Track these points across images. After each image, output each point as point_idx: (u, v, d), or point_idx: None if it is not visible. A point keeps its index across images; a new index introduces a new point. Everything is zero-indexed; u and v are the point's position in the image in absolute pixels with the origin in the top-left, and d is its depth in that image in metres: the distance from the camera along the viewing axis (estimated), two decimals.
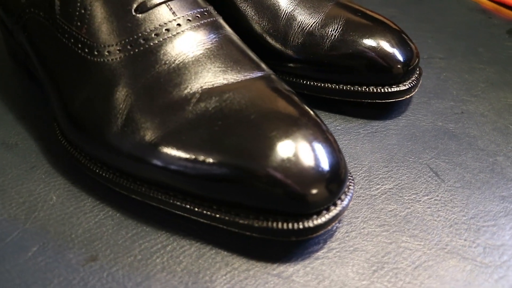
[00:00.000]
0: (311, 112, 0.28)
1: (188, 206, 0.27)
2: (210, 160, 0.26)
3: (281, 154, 0.25)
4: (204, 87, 0.28)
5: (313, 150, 0.26)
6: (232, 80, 0.28)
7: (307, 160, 0.25)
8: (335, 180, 0.26)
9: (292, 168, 0.25)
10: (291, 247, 0.28)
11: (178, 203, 0.28)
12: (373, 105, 0.36)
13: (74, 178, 0.31)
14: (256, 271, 0.27)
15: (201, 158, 0.26)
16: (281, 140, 0.25)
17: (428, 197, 0.31)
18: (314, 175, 0.25)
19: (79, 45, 0.29)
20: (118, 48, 0.29)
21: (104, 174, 0.29)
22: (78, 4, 0.29)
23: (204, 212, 0.27)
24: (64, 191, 0.31)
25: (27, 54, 0.35)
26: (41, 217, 0.29)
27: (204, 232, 0.28)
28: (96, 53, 0.29)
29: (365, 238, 0.29)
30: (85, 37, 0.29)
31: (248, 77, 0.29)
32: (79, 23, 0.30)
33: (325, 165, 0.26)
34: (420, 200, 0.31)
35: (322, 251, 0.28)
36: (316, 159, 0.26)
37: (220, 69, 0.28)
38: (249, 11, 0.35)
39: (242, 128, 0.26)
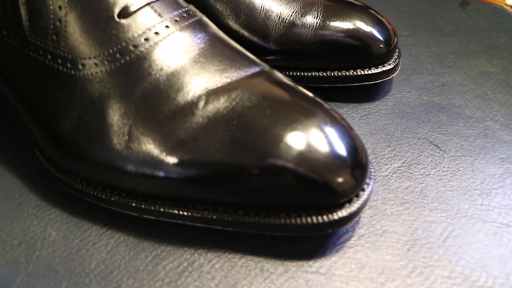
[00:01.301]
0: (321, 101, 0.27)
1: (210, 216, 0.26)
2: (233, 162, 0.24)
3: (305, 147, 0.24)
4: (209, 88, 0.26)
5: (334, 140, 0.25)
6: (235, 78, 0.27)
7: (331, 151, 0.24)
8: (359, 166, 0.26)
9: (319, 160, 0.24)
10: (321, 241, 0.27)
11: (198, 215, 0.26)
12: (359, 88, 0.36)
13: (71, 207, 0.28)
14: (293, 272, 0.26)
15: (224, 162, 0.24)
16: (303, 132, 0.24)
17: (436, 169, 0.31)
18: (341, 164, 0.25)
19: (59, 61, 0.27)
20: (107, 59, 0.26)
21: (107, 198, 0.27)
22: (51, 16, 0.27)
23: (230, 219, 0.25)
24: (63, 223, 0.28)
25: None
26: (44, 257, 0.26)
27: (228, 241, 0.27)
28: (81, 67, 0.26)
29: (390, 219, 0.28)
30: (64, 51, 0.26)
31: (249, 73, 0.27)
32: (54, 37, 0.27)
33: (348, 153, 0.25)
34: (429, 174, 0.31)
35: (353, 239, 0.27)
36: (339, 148, 0.25)
37: (219, 68, 0.27)
38: (225, 9, 0.34)
39: (260, 125, 0.24)
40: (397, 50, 0.36)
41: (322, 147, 0.24)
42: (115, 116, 0.26)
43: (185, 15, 0.28)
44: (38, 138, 0.28)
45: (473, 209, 0.29)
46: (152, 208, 0.26)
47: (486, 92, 0.37)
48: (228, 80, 0.27)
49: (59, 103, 0.27)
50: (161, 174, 0.25)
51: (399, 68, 0.36)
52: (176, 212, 0.26)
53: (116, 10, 0.27)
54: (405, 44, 0.41)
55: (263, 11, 0.34)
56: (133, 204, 0.26)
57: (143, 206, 0.26)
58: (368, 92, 0.36)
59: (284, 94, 0.27)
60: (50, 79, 0.27)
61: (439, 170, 0.31)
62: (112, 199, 0.27)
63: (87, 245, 0.27)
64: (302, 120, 0.25)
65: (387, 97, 0.36)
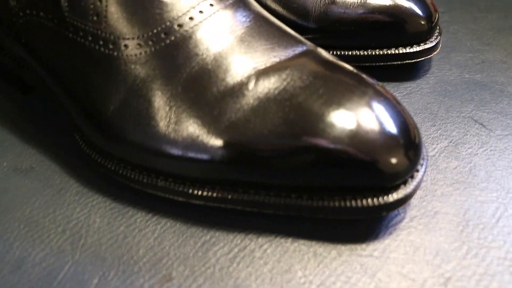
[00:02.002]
0: (371, 80, 0.26)
1: (262, 200, 0.25)
2: (288, 144, 0.23)
3: (361, 128, 0.23)
4: (258, 68, 0.25)
5: (388, 120, 0.24)
6: (283, 57, 0.26)
7: (386, 132, 0.24)
8: (413, 146, 0.25)
9: (375, 141, 0.23)
10: (373, 224, 0.26)
11: (250, 199, 0.25)
12: (399, 67, 0.35)
13: (114, 193, 0.28)
14: (348, 256, 0.25)
15: (277, 144, 0.23)
16: (357, 112, 0.23)
17: (483, 148, 0.31)
18: (396, 145, 0.24)
19: (100, 42, 0.26)
20: (151, 39, 0.25)
21: (153, 183, 0.26)
22: None
23: (282, 202, 0.25)
24: (107, 210, 0.27)
25: (22, 65, 0.30)
26: (90, 245, 0.26)
27: (281, 225, 0.26)
28: (123, 48, 0.25)
29: (440, 199, 0.28)
30: (106, 32, 0.26)
31: (296, 52, 0.26)
32: (95, 17, 0.26)
33: (402, 133, 0.24)
34: (477, 153, 0.30)
35: (405, 221, 0.27)
36: (393, 129, 0.24)
37: (267, 47, 0.26)
38: None
39: (314, 106, 0.24)
40: (438, 27, 0.35)
41: (376, 128, 0.23)
42: (161, 98, 0.25)
43: None
44: (78, 122, 0.27)
45: None
46: (201, 192, 0.25)
47: None
48: (277, 60, 0.26)
49: (101, 85, 0.26)
50: (211, 157, 0.24)
51: (440, 46, 0.35)
52: (226, 196, 0.25)
53: None
54: (441, 21, 0.40)
55: None
56: (181, 189, 0.26)
57: (190, 190, 0.26)
58: (408, 70, 0.35)
59: (333, 73, 0.26)
60: (91, 61, 0.26)
61: (487, 149, 0.30)
62: (159, 184, 0.26)
63: (134, 231, 0.26)
64: (355, 99, 0.24)
65: (428, 75, 0.35)
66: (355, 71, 0.26)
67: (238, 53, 0.25)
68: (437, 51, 0.34)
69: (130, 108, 0.25)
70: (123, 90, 0.25)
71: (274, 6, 0.33)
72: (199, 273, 0.24)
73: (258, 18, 0.27)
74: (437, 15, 0.34)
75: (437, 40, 0.34)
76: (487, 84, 0.35)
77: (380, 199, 0.24)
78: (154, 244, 0.26)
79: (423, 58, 0.34)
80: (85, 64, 0.26)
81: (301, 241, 0.25)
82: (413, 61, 0.34)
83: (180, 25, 0.25)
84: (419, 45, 0.33)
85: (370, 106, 0.24)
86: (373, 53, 0.33)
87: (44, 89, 0.30)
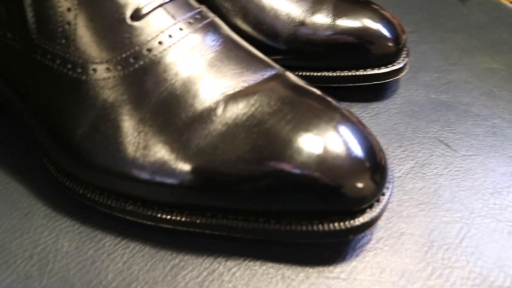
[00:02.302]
0: (338, 104, 0.27)
1: (231, 224, 0.25)
2: (255, 170, 0.24)
3: (327, 154, 0.24)
4: (226, 93, 0.25)
5: (355, 145, 0.24)
6: (252, 82, 0.26)
7: (352, 157, 0.24)
8: (379, 170, 0.25)
9: (341, 167, 0.24)
10: (340, 246, 0.27)
11: (218, 222, 0.25)
12: (367, 87, 0.36)
13: (83, 217, 0.27)
14: (315, 279, 0.25)
15: (245, 170, 0.24)
16: (324, 138, 0.24)
17: (448, 169, 0.31)
18: (362, 170, 0.24)
19: (69, 66, 0.26)
20: (120, 63, 0.25)
21: (122, 207, 0.26)
22: (60, 18, 0.26)
23: (250, 226, 0.25)
24: (75, 234, 0.27)
25: None
26: (58, 270, 0.25)
27: (248, 249, 0.26)
28: (92, 72, 0.25)
29: (406, 221, 0.28)
30: (74, 55, 0.25)
31: (265, 76, 0.27)
32: (63, 40, 0.26)
33: (368, 157, 0.25)
34: (442, 174, 0.31)
35: (371, 243, 0.27)
36: (359, 153, 0.24)
37: (236, 71, 0.26)
38: (233, 8, 0.33)
39: (281, 132, 0.24)
40: (405, 49, 0.36)
41: (343, 153, 0.24)
42: (130, 123, 0.25)
43: (198, 16, 0.27)
44: (46, 146, 0.27)
45: (486, 209, 0.29)
46: (170, 217, 0.25)
47: (492, 89, 0.37)
48: (246, 84, 0.26)
49: (69, 109, 0.26)
50: (180, 182, 0.24)
51: (407, 68, 0.36)
52: (195, 220, 0.25)
53: (128, 12, 0.26)
54: (409, 41, 0.41)
55: (272, 10, 0.33)
56: (149, 213, 0.26)
57: (159, 215, 0.26)
58: (376, 91, 0.36)
59: (301, 98, 0.26)
60: (59, 85, 0.26)
61: (451, 169, 0.31)
62: (128, 208, 0.26)
63: (102, 256, 0.26)
64: (322, 125, 0.24)
65: (395, 96, 0.36)
66: (322, 95, 0.27)
67: (207, 78, 0.26)
68: (404, 72, 0.35)
69: (98, 132, 0.25)
70: (92, 114, 0.25)
71: (244, 27, 0.33)
72: None
73: (227, 42, 0.28)
74: (404, 37, 0.35)
75: (405, 61, 0.35)
76: (452, 105, 0.36)
77: (347, 223, 0.25)
78: (123, 269, 0.25)
79: (390, 79, 0.35)
80: (53, 87, 0.26)
81: (269, 264, 0.26)
82: (380, 82, 0.34)
83: (149, 50, 0.25)
84: (386, 67, 0.34)
85: (337, 132, 0.25)
86: (342, 74, 0.34)
87: (11, 110, 0.29)
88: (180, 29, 0.26)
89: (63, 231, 0.27)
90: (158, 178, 0.25)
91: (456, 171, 0.31)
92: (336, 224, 0.25)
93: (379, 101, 0.36)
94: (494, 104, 0.36)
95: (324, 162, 0.24)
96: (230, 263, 0.26)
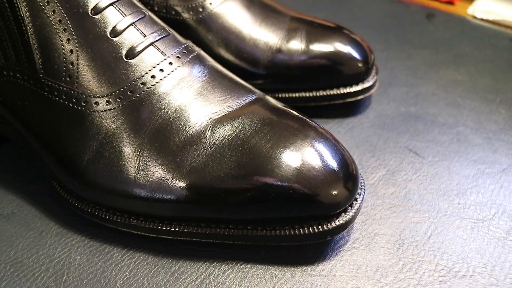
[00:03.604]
0: (311, 122, 0.30)
1: (223, 232, 0.29)
2: (242, 184, 0.27)
3: (304, 166, 0.27)
4: (213, 118, 0.29)
5: (328, 157, 0.28)
6: (235, 107, 0.30)
7: (326, 168, 0.28)
8: (351, 178, 0.29)
9: (317, 177, 0.27)
10: (322, 247, 0.30)
11: (211, 232, 0.29)
12: (342, 104, 0.39)
13: (91, 233, 0.31)
14: (300, 277, 0.29)
15: (232, 184, 0.27)
16: (299, 154, 0.28)
17: (417, 175, 0.35)
18: (336, 179, 0.28)
19: (74, 100, 0.29)
20: (119, 97, 0.29)
21: (126, 222, 0.29)
22: (64, 59, 0.29)
23: (240, 234, 0.28)
24: (85, 248, 0.30)
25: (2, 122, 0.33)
26: (72, 280, 0.29)
27: (239, 253, 0.30)
28: (94, 105, 0.29)
29: (379, 222, 0.32)
30: (78, 91, 0.29)
31: (247, 100, 0.30)
32: (68, 78, 0.29)
33: (341, 167, 0.28)
34: (411, 179, 0.35)
35: (349, 243, 0.30)
36: (333, 164, 0.28)
37: (221, 98, 0.30)
38: (216, 39, 0.37)
39: (263, 149, 0.28)
40: (374, 68, 0.40)
41: (318, 165, 0.28)
42: (130, 148, 0.28)
43: (185, 51, 0.31)
44: (56, 172, 0.31)
45: (451, 208, 0.33)
46: (169, 228, 0.29)
47: (456, 100, 0.41)
48: (230, 109, 0.30)
49: (75, 138, 0.29)
50: (176, 198, 0.28)
51: (377, 84, 0.39)
52: (191, 230, 0.29)
53: (124, 51, 0.29)
54: (380, 58, 0.45)
55: (251, 40, 0.37)
56: (151, 226, 0.29)
57: (159, 227, 0.29)
58: (350, 107, 0.40)
59: (279, 118, 0.30)
60: (66, 117, 0.29)
61: (420, 175, 0.35)
62: (131, 223, 0.29)
63: (111, 266, 0.29)
64: (298, 142, 0.28)
65: (368, 110, 0.40)
66: (298, 115, 0.31)
67: (196, 105, 0.29)
68: (374, 89, 0.39)
69: (102, 158, 0.29)
70: (96, 142, 0.29)
71: (227, 56, 0.37)
72: None
73: (212, 72, 0.31)
74: (373, 57, 0.39)
75: (374, 79, 0.39)
76: (420, 116, 0.39)
77: (324, 226, 0.28)
78: (129, 276, 0.29)
79: (362, 96, 0.38)
80: (60, 120, 0.30)
81: (259, 266, 0.29)
82: (353, 99, 0.38)
83: (143, 83, 0.29)
84: (358, 85, 0.38)
85: (311, 147, 0.28)
86: (317, 94, 0.38)
87: (21, 141, 0.33)
88: (170, 63, 0.30)
89: (74, 246, 0.30)
90: (157, 195, 0.28)
91: (424, 176, 0.35)
92: (315, 227, 0.28)
93: (353, 116, 0.39)
94: (459, 113, 0.40)
95: (301, 174, 0.27)
96: (224, 267, 0.29)
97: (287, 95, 0.38)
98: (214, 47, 0.37)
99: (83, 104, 0.29)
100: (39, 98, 0.30)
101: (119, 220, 0.30)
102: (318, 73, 0.37)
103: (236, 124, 0.29)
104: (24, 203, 0.33)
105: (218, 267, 0.29)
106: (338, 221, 0.28)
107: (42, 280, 0.29)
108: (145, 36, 0.30)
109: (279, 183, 0.27)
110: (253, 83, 0.38)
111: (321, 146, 0.29)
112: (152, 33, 0.30)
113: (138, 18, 0.30)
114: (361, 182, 0.30)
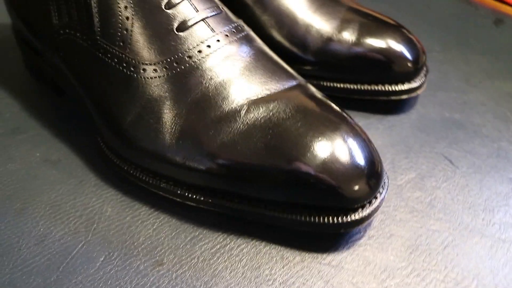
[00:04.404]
0: (347, 116, 0.31)
1: (243, 208, 0.30)
2: (267, 166, 0.28)
3: (328, 157, 0.28)
4: (250, 99, 0.30)
5: (354, 152, 0.29)
6: (274, 91, 0.31)
7: (350, 162, 0.28)
8: (374, 176, 0.29)
9: (339, 169, 0.28)
10: (337, 238, 0.31)
11: (234, 206, 0.30)
12: (386, 101, 0.39)
13: (125, 188, 0.33)
14: (309, 262, 0.30)
15: (258, 164, 0.28)
16: (327, 145, 0.28)
17: (447, 183, 0.35)
18: (358, 174, 0.28)
19: (124, 64, 0.31)
20: (165, 66, 0.30)
21: (157, 184, 0.32)
22: (120, 25, 0.31)
23: (260, 212, 0.30)
24: (118, 202, 0.33)
25: (58, 73, 0.36)
26: (100, 229, 0.31)
27: (257, 230, 0.31)
28: (142, 71, 0.31)
29: (398, 224, 0.32)
30: (129, 56, 0.31)
31: (286, 86, 0.31)
32: (121, 43, 0.31)
33: (365, 164, 0.29)
34: (440, 187, 0.34)
35: (363, 239, 0.31)
36: (358, 160, 0.29)
37: (261, 80, 0.31)
38: (270, 21, 0.38)
39: (292, 135, 0.29)
40: (424, 68, 0.39)
41: (343, 158, 0.28)
42: (169, 116, 0.30)
43: (234, 30, 0.32)
44: (101, 128, 0.33)
45: (474, 223, 0.32)
46: (195, 196, 0.31)
47: (506, 113, 0.40)
48: (268, 92, 0.31)
49: (121, 100, 0.31)
50: (204, 168, 0.30)
51: (424, 86, 0.39)
52: (215, 202, 0.30)
53: (175, 24, 0.31)
54: (435, 60, 0.44)
55: (304, 25, 0.37)
56: (178, 192, 0.31)
57: (187, 194, 0.31)
58: (394, 105, 0.40)
59: (315, 108, 0.30)
60: (115, 79, 0.32)
61: (449, 184, 0.35)
62: (161, 185, 0.31)
63: (137, 222, 0.32)
64: (328, 133, 0.29)
65: (411, 111, 0.39)
66: (334, 107, 0.31)
67: (236, 84, 0.30)
68: (420, 90, 0.38)
69: (143, 121, 0.31)
70: (139, 106, 0.31)
71: (278, 38, 0.38)
72: (185, 262, 0.30)
73: (258, 54, 0.32)
74: (424, 58, 0.38)
75: (422, 80, 0.38)
76: (463, 124, 0.39)
77: (340, 218, 0.29)
78: (152, 234, 0.31)
79: (407, 96, 0.38)
80: (109, 81, 0.32)
81: (272, 246, 0.30)
82: (398, 97, 0.38)
83: (189, 57, 0.30)
84: (404, 84, 0.38)
85: (340, 140, 0.29)
86: (362, 87, 0.38)
87: (75, 95, 0.35)
88: (218, 40, 0.31)
89: (108, 198, 0.33)
90: (187, 163, 0.30)
91: (453, 185, 0.34)
92: (331, 218, 0.29)
93: (395, 115, 0.39)
94: (505, 128, 0.39)
95: (324, 164, 0.28)
96: (240, 241, 0.31)
97: (332, 84, 0.38)
98: (267, 28, 0.38)
99: (132, 69, 0.31)
100: (94, 58, 0.32)
101: (150, 182, 0.32)
102: (365, 67, 0.37)
103: (270, 107, 0.30)
104: (71, 152, 0.36)
105: (234, 240, 0.31)
106: (355, 216, 0.29)
107: (75, 224, 0.31)
108: (197, 11, 0.31)
109: (302, 170, 0.28)
110: (301, 68, 0.38)
111: (350, 141, 0.29)
112: (205, 9, 0.32)
113: None
114: (384, 182, 0.31)
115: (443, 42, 0.46)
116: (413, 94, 0.38)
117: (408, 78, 0.38)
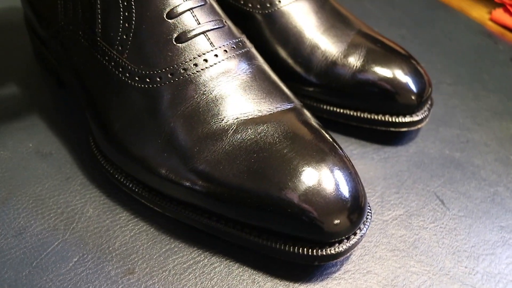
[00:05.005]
0: (336, 146, 0.30)
1: (221, 228, 0.30)
2: (246, 189, 0.28)
3: (310, 188, 0.28)
4: (240, 118, 0.30)
5: (338, 186, 0.28)
6: (266, 112, 0.30)
7: (333, 195, 0.28)
8: (356, 212, 0.29)
9: (320, 202, 0.28)
10: (311, 268, 0.31)
11: (211, 223, 0.30)
12: (385, 130, 0.38)
13: (109, 191, 0.33)
14: None
15: (238, 186, 0.28)
16: (311, 175, 0.28)
17: (434, 224, 0.34)
18: (339, 209, 0.28)
19: (120, 69, 0.31)
20: (159, 76, 0.30)
21: (139, 192, 0.32)
22: (120, 29, 0.31)
23: (236, 234, 0.29)
24: (100, 203, 0.33)
25: (61, 65, 0.36)
26: (79, 229, 0.31)
27: (233, 251, 0.31)
28: (137, 78, 0.31)
29: (377, 261, 0.31)
30: (126, 61, 0.31)
31: (279, 109, 0.31)
32: (120, 48, 0.31)
33: (348, 199, 0.28)
34: (427, 227, 0.34)
35: (338, 272, 0.31)
36: (341, 194, 0.28)
37: (254, 100, 0.30)
38: (276, 37, 0.37)
39: (276, 161, 0.28)
40: (429, 102, 0.38)
41: (325, 190, 0.28)
42: (157, 127, 0.30)
43: (234, 46, 0.32)
44: (93, 128, 0.33)
45: (456, 269, 0.31)
46: (174, 209, 0.31)
47: (508, 157, 0.39)
48: (259, 114, 0.30)
49: (113, 104, 0.31)
50: (185, 184, 0.29)
51: (426, 120, 0.38)
52: (193, 217, 0.30)
53: (175, 35, 0.31)
54: (444, 92, 0.43)
55: (310, 46, 0.37)
56: (159, 202, 0.31)
57: (166, 205, 0.31)
58: (393, 135, 0.39)
59: (304, 135, 0.30)
60: (110, 83, 0.32)
61: (437, 225, 0.34)
62: (144, 194, 0.31)
63: (115, 227, 0.32)
64: (313, 163, 0.28)
65: (410, 144, 0.39)
66: (326, 136, 0.30)
67: (227, 102, 0.30)
68: (421, 125, 0.37)
69: (132, 128, 0.31)
70: (130, 113, 0.31)
71: (282, 55, 0.37)
72: (156, 274, 0.29)
73: (256, 72, 0.32)
74: (429, 91, 0.37)
75: (424, 114, 0.37)
76: (462, 164, 0.38)
77: (315, 251, 0.28)
78: (128, 241, 0.31)
79: (406, 129, 0.37)
80: (105, 83, 0.32)
81: (246, 268, 0.30)
82: (397, 129, 0.37)
83: (185, 69, 0.30)
84: (405, 117, 0.37)
85: (325, 171, 0.28)
86: (362, 115, 0.37)
87: (71, 88, 0.35)
88: (216, 55, 0.31)
89: (91, 199, 0.33)
90: (170, 176, 0.30)
91: (441, 227, 0.34)
92: (305, 249, 0.28)
93: (393, 146, 0.38)
94: (504, 172, 0.37)
95: (305, 195, 0.27)
96: (213, 259, 0.30)
97: (331, 108, 0.38)
98: (272, 44, 0.38)
99: (127, 75, 0.31)
100: (93, 59, 0.32)
101: (133, 188, 0.32)
102: (367, 95, 0.36)
103: (259, 130, 0.29)
104: (63, 147, 0.36)
105: (208, 257, 0.30)
106: (330, 250, 0.28)
107: (55, 221, 0.32)
108: (199, 23, 0.31)
109: (282, 198, 0.28)
110: (302, 88, 0.38)
111: (336, 173, 0.28)
112: (207, 22, 0.31)
113: (197, 5, 0.31)
114: (367, 217, 0.30)
115: (455, 74, 0.45)
116: (413, 128, 0.37)
117: (410, 111, 0.37)
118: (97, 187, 0.34)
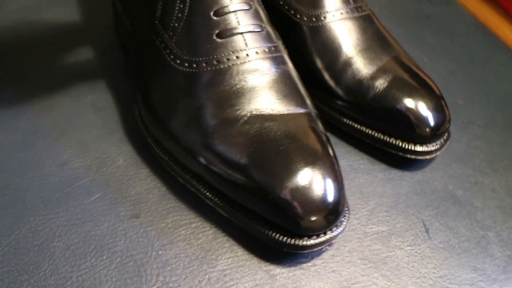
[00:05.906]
0: (331, 153, 0.34)
1: (216, 200, 0.35)
2: (242, 172, 0.33)
3: (295, 182, 0.32)
4: (252, 112, 0.34)
5: (322, 185, 0.32)
6: (277, 112, 0.35)
7: (314, 192, 0.32)
8: (331, 214, 0.32)
9: (301, 195, 0.32)
10: (285, 254, 0.35)
11: (210, 195, 0.35)
12: (395, 154, 0.41)
13: (140, 150, 0.40)
14: (251, 263, 0.34)
15: (236, 169, 0.33)
16: (299, 171, 0.32)
17: (411, 248, 0.36)
18: (317, 206, 0.32)
19: (167, 51, 0.37)
20: (196, 63, 0.36)
21: (161, 155, 0.37)
22: (174, 17, 0.37)
23: (227, 208, 0.34)
24: (129, 158, 0.39)
25: (127, 36, 0.43)
26: (108, 173, 0.38)
27: (223, 223, 0.36)
28: (179, 61, 0.36)
29: (345, 265, 0.35)
30: (173, 46, 0.37)
31: (291, 111, 0.35)
32: (171, 33, 0.37)
33: (328, 199, 0.32)
34: (403, 248, 0.36)
35: (307, 264, 0.35)
36: (322, 193, 0.32)
37: (270, 99, 0.35)
38: (316, 48, 0.41)
39: (272, 155, 0.33)
40: (445, 136, 0.40)
41: (309, 189, 0.32)
42: (184, 107, 0.36)
43: (267, 49, 0.36)
44: (137, 95, 0.39)
45: None
46: (184, 176, 0.36)
47: (511, 208, 0.39)
48: (271, 112, 0.35)
49: (157, 79, 0.37)
50: (196, 156, 0.35)
51: (438, 153, 0.40)
52: (197, 186, 0.36)
53: (217, 31, 0.36)
54: (471, 133, 0.44)
55: (342, 62, 0.40)
56: (174, 167, 0.37)
57: (179, 171, 0.37)
58: (405, 160, 0.41)
59: (305, 138, 0.34)
60: (158, 61, 0.38)
61: (413, 249, 0.36)
62: (163, 157, 0.37)
63: (136, 179, 0.38)
64: (301, 164, 0.32)
65: (417, 172, 0.41)
66: (326, 144, 0.34)
67: (246, 97, 0.35)
68: (431, 156, 0.39)
69: (165, 103, 0.37)
70: (166, 89, 0.37)
71: (316, 66, 0.41)
72: (156, 223, 0.35)
73: (280, 75, 0.36)
74: (447, 127, 0.39)
75: (436, 147, 0.39)
76: (461, 202, 0.39)
77: (285, 238, 0.33)
78: (143, 192, 0.37)
79: (414, 157, 0.39)
80: (154, 61, 0.38)
81: (229, 239, 0.35)
82: (406, 155, 0.39)
83: (218, 61, 0.35)
84: (415, 145, 0.39)
85: (311, 173, 0.32)
86: (375, 135, 0.40)
87: (132, 59, 0.42)
88: (247, 55, 0.36)
89: (124, 152, 0.39)
90: (190, 150, 0.35)
91: (416, 252, 0.36)
92: (286, 238, 0.33)
93: (400, 170, 0.41)
94: (500, 220, 0.38)
95: (289, 189, 0.32)
96: (206, 224, 0.36)
97: (350, 122, 0.41)
98: (311, 54, 0.41)
99: (172, 57, 0.37)
100: (148, 38, 0.39)
101: (157, 151, 0.38)
102: (382, 118, 0.39)
103: (265, 125, 0.34)
104: (113, 105, 0.43)
105: (201, 221, 0.36)
106: (298, 241, 0.32)
107: (91, 162, 0.38)
108: (239, 25, 0.36)
109: (266, 187, 0.32)
110: (329, 98, 0.42)
111: (322, 177, 0.32)
112: (247, 25, 0.36)
113: (242, 8, 0.36)
114: (342, 222, 0.34)
115: (490, 118, 0.46)
116: (420, 157, 0.39)
117: (422, 141, 0.39)
118: (132, 145, 0.40)
